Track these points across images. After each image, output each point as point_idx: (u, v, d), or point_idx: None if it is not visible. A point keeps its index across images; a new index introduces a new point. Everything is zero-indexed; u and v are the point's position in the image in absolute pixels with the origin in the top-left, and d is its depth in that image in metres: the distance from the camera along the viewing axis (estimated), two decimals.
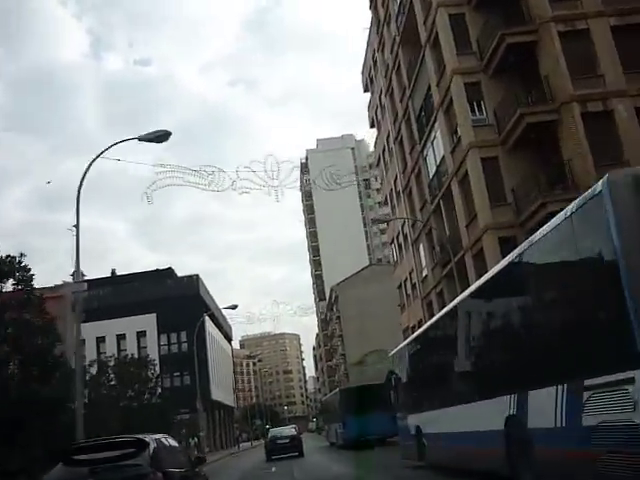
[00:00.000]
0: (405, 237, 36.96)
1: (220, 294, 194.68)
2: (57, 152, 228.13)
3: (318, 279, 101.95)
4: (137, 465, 6.45)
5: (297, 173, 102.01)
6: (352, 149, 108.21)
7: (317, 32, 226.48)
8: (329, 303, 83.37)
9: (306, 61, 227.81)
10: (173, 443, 8.38)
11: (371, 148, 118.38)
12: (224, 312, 69.98)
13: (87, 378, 25.73)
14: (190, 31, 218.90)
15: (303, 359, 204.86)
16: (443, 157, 26.67)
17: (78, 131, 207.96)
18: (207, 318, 50.35)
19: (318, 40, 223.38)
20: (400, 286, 40.23)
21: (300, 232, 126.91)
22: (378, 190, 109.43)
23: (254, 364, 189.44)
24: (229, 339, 72.81)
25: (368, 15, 40.27)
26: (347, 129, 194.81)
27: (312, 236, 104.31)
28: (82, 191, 15.09)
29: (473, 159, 23.08)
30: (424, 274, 32.88)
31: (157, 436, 7.62)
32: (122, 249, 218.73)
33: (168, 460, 7.16)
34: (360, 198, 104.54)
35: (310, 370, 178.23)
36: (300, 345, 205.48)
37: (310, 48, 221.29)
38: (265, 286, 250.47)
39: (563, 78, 20.68)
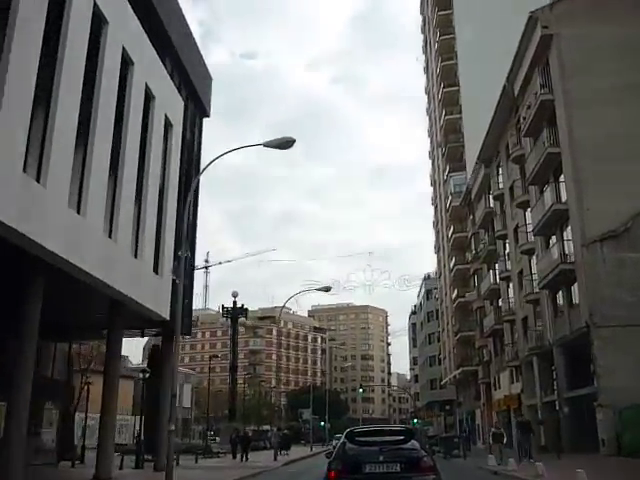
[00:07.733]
0: None
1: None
2: None
3: (451, 133, 49.35)
4: (412, 449, 8.47)
5: None
6: None
7: None
8: (521, 53, 30.87)
9: None
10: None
11: None
12: None
13: None
14: (298, 27, 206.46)
15: (389, 344, 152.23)
16: None
17: None
18: None
19: None
20: None
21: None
22: None
23: (323, 340, 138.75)
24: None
25: None
26: None
27: (443, 48, 52.01)
28: None
29: None
30: None
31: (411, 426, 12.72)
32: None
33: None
34: None
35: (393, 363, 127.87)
36: (387, 325, 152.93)
37: None
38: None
39: None
